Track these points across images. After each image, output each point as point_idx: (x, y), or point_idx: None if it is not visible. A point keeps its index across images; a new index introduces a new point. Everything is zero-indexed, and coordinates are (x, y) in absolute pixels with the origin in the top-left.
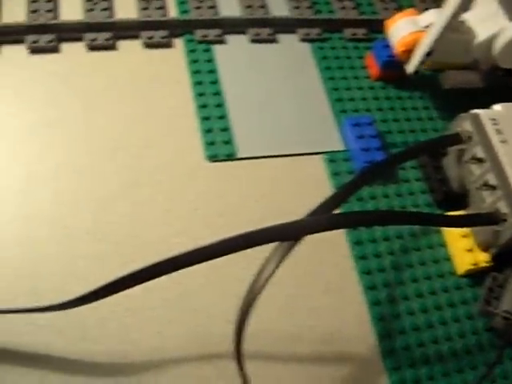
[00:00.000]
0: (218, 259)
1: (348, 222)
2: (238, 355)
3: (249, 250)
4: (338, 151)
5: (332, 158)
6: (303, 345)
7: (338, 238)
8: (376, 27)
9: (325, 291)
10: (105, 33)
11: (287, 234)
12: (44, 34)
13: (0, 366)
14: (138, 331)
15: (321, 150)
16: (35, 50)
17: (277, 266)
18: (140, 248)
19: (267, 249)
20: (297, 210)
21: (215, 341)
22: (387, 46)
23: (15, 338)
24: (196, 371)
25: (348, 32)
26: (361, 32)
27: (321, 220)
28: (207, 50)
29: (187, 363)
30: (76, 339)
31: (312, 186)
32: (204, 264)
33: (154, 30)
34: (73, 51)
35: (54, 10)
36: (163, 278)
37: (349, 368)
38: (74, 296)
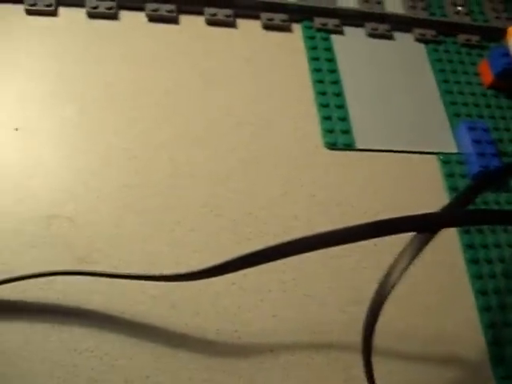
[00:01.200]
0: (334, 248)
1: (489, 218)
2: (367, 363)
3: (364, 242)
4: (453, 153)
5: (447, 159)
6: (414, 343)
7: (452, 239)
8: (489, 35)
9: (437, 292)
10: (226, 9)
11: (427, 224)
12: (165, 4)
13: (115, 334)
14: (251, 312)
15: (435, 151)
16: (154, 19)
17: (410, 262)
18: (256, 227)
19: (382, 242)
20: (412, 207)
21: (327, 329)
22: (505, 55)
23: (129, 307)
24: (307, 359)
25: (462, 37)
26: (474, 39)
27: (464, 213)
28: (326, 39)
29: (299, 350)
30: (188, 314)
31: (426, 185)
32: (321, 252)
33: (274, 13)
34: (191, 24)
35: None
36: (279, 261)
37: (458, 371)
38: (187, 269)
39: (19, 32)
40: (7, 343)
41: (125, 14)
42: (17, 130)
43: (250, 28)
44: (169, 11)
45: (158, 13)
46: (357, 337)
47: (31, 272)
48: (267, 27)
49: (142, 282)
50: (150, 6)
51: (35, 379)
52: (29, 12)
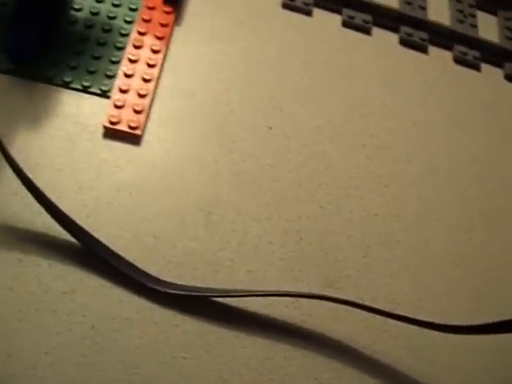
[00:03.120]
0: None
1: None
2: None
3: None
4: None
5: None
6: None
7: None
8: None
9: None
10: (474, 51)
11: None
12: (418, 31)
13: (355, 370)
14: None
15: None
16: (405, 43)
17: None
18: (495, 285)
19: None
20: None
21: None
22: None
23: (370, 343)
24: None
25: None
26: None
27: None
28: None
29: None
30: (426, 362)
31: None
32: None
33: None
34: (440, 57)
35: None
36: None
37: None
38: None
39: (273, 24)
40: (269, 361)
41: (377, 31)
42: (270, 128)
43: (493, 74)
44: (422, 39)
45: (412, 38)
46: None
47: (277, 286)
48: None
49: (387, 319)
50: (404, 30)
51: None
52: (285, 6)
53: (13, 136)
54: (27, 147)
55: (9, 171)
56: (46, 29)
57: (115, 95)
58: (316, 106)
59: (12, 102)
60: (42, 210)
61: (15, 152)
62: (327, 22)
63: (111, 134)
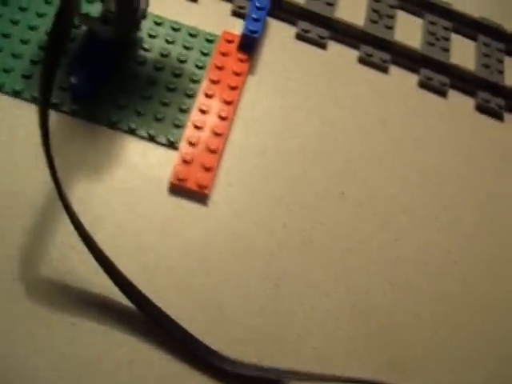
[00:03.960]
0: None
1: None
2: None
3: None
4: None
5: None
6: None
7: None
8: None
9: None
10: None
11: None
12: (496, 97)
13: None
14: None
15: None
16: (482, 109)
17: None
18: None
19: None
20: None
21: None
22: None
23: None
24: None
25: None
26: None
27: None
28: None
29: None
30: None
31: None
32: None
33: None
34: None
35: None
36: None
37: None
38: None
39: (349, 79)
40: None
41: (454, 94)
42: (343, 193)
43: None
44: (498, 106)
45: (489, 104)
46: None
47: (342, 365)
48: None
49: None
50: (482, 95)
51: None
52: (362, 61)
53: (74, 184)
54: (88, 197)
55: (67, 222)
56: (113, 68)
57: (184, 148)
58: (390, 171)
59: (74, 145)
60: (100, 269)
61: (75, 201)
62: (403, 80)
63: (177, 190)
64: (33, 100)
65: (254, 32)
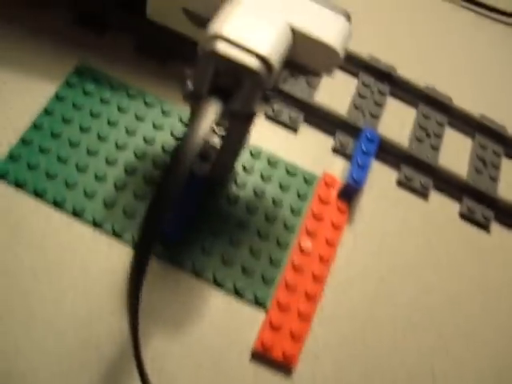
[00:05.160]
0: None
1: None
2: None
3: None
4: None
5: None
6: None
7: None
8: None
9: None
10: None
11: None
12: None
13: None
14: None
15: None
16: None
17: None
18: None
19: None
20: None
21: None
22: None
23: None
24: None
25: None
26: None
27: None
28: None
29: None
30: None
31: None
32: None
33: None
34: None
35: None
36: None
37: None
38: None
39: (448, 236)
40: None
41: (497, 229)
42: (433, 374)
43: None
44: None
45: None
46: None
47: None
48: None
49: None
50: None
51: None
52: (463, 216)
53: (151, 338)
54: (164, 356)
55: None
56: (202, 206)
57: (272, 310)
58: (482, 346)
59: (156, 288)
60: None
61: (150, 358)
62: (508, 241)
63: (260, 357)
64: (113, 233)
65: (359, 182)
